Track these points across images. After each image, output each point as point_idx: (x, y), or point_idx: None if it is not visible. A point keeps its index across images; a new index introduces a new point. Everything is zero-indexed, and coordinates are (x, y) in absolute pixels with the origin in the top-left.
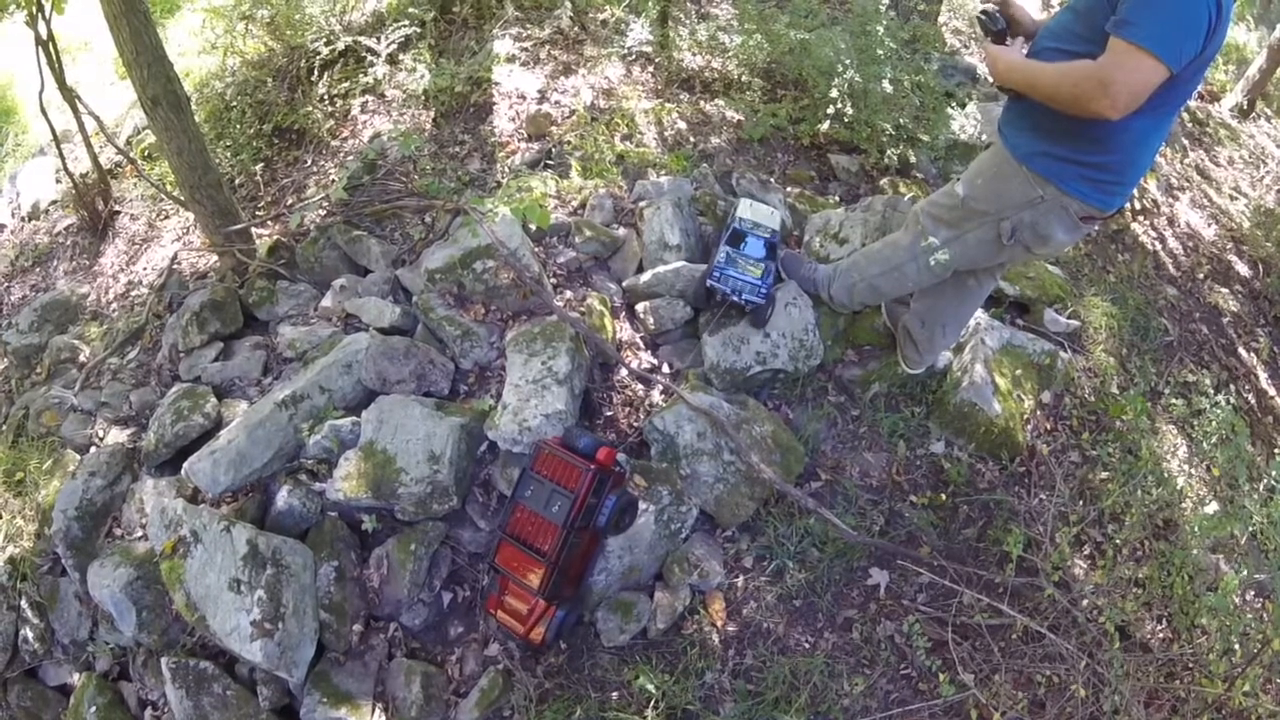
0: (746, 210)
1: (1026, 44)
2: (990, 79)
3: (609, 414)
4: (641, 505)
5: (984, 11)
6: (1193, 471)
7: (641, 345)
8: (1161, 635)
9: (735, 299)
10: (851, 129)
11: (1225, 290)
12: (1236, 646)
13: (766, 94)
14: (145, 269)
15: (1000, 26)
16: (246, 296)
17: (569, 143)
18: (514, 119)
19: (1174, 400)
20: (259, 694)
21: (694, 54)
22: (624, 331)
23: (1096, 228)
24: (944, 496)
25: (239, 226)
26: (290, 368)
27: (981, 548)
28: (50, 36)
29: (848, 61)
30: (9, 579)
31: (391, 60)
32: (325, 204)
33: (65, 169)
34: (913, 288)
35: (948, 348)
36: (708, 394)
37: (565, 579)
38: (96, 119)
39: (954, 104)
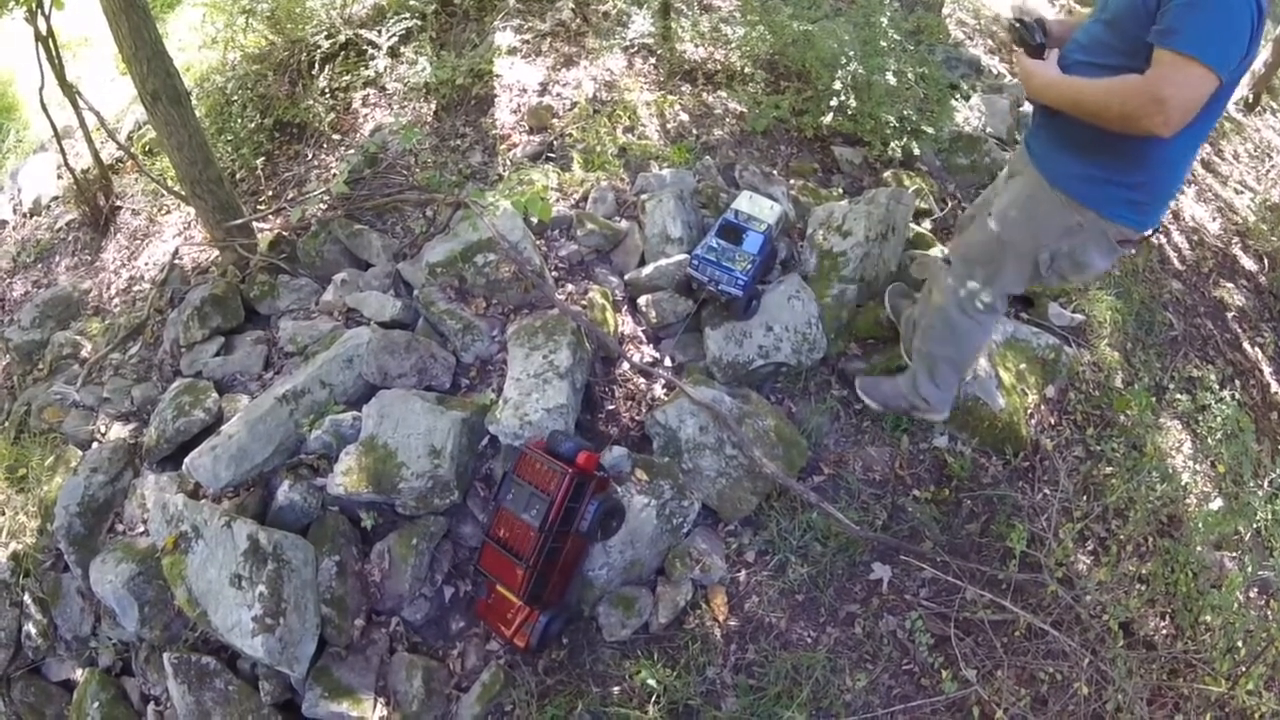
0: (743, 203)
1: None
2: (1025, 96)
3: (611, 408)
4: (643, 500)
5: (1021, 21)
6: (1197, 467)
7: (644, 339)
8: (1165, 632)
9: (712, 289)
10: (855, 121)
11: (1230, 285)
12: (1240, 644)
13: (769, 86)
14: (147, 264)
15: (1039, 40)
16: (248, 291)
17: (570, 135)
18: (515, 111)
19: (1179, 395)
20: (261, 689)
21: (696, 46)
22: (626, 325)
23: (1133, 250)
24: (947, 491)
25: (240, 221)
26: (291, 362)
27: (984, 543)
28: (50, 32)
29: (851, 53)
30: (12, 575)
31: (392, 53)
32: (326, 198)
33: (66, 165)
34: (982, 339)
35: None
36: (710, 388)
37: (546, 583)
38: (97, 115)
39: (958, 96)
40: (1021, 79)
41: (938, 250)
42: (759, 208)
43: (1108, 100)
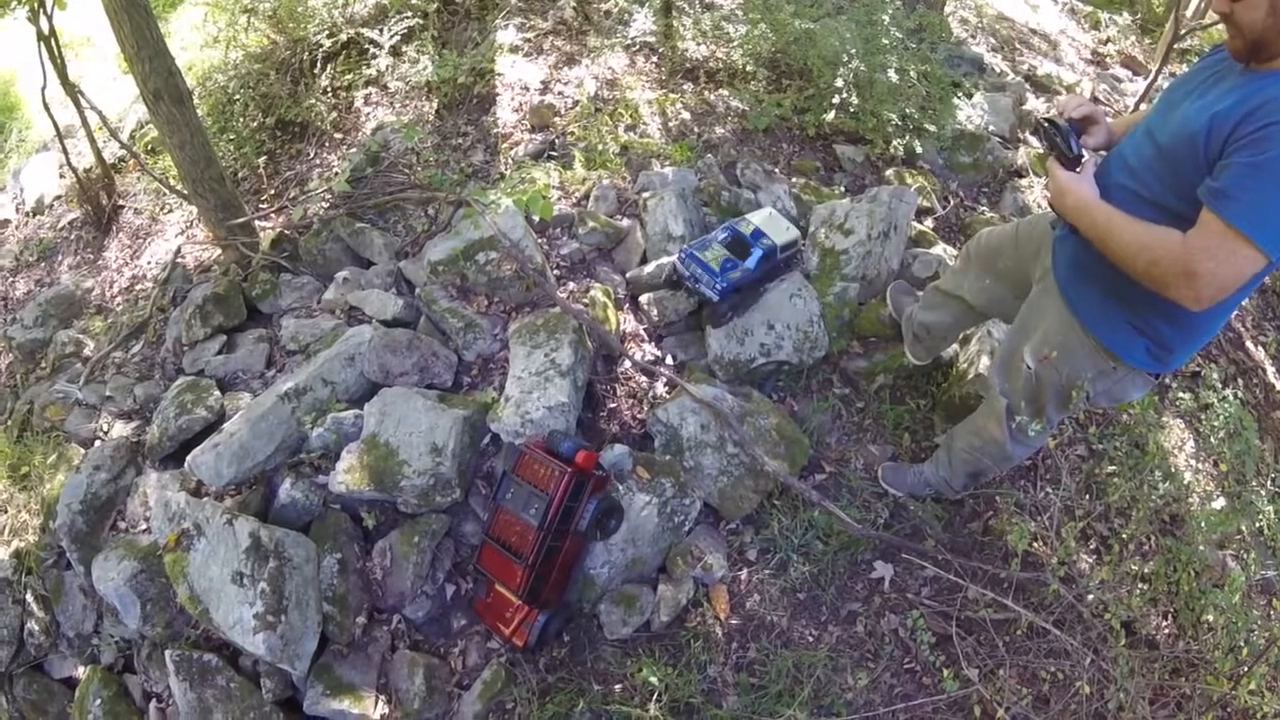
0: (759, 217)
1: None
2: (1052, 210)
3: (612, 406)
4: (645, 498)
5: (1051, 122)
6: (1200, 466)
7: (645, 337)
8: (1167, 632)
9: (691, 285)
10: (857, 119)
11: None
12: (1243, 644)
13: (771, 84)
14: (149, 263)
15: (1075, 152)
16: (250, 289)
17: (572, 133)
18: (517, 110)
19: (1181, 394)
20: (262, 686)
21: (698, 44)
22: (627, 323)
23: None
24: None
25: (242, 220)
26: (293, 360)
27: (986, 542)
28: (52, 32)
29: (853, 51)
30: (14, 573)
31: (394, 52)
32: (328, 196)
33: (69, 164)
34: (1017, 460)
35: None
36: (711, 386)
37: (545, 582)
38: (99, 114)
39: (960, 94)
40: (1051, 193)
41: (939, 250)
42: (774, 227)
43: (1137, 253)
